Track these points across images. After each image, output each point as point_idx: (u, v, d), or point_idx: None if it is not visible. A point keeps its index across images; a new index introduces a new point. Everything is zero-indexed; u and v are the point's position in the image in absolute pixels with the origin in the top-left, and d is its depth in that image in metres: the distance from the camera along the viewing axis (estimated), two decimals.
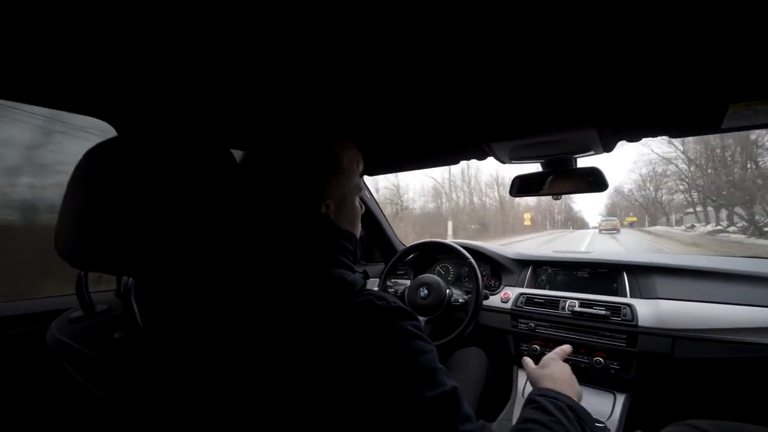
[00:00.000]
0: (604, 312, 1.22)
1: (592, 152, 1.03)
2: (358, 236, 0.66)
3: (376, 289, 1.51)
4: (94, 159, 0.42)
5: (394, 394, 0.43)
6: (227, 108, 0.84)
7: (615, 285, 1.35)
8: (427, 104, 0.84)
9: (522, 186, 1.24)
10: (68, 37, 0.56)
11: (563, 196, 1.20)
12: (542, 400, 0.62)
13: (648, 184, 51.90)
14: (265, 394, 0.40)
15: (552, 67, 0.67)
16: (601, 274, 1.41)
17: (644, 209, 54.10)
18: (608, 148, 0.99)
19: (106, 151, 0.42)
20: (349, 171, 0.64)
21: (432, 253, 1.79)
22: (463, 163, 1.71)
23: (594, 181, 1.10)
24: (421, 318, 1.38)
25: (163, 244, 0.40)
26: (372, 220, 1.71)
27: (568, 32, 0.56)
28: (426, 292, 1.39)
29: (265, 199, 0.57)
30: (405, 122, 0.96)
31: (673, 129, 0.89)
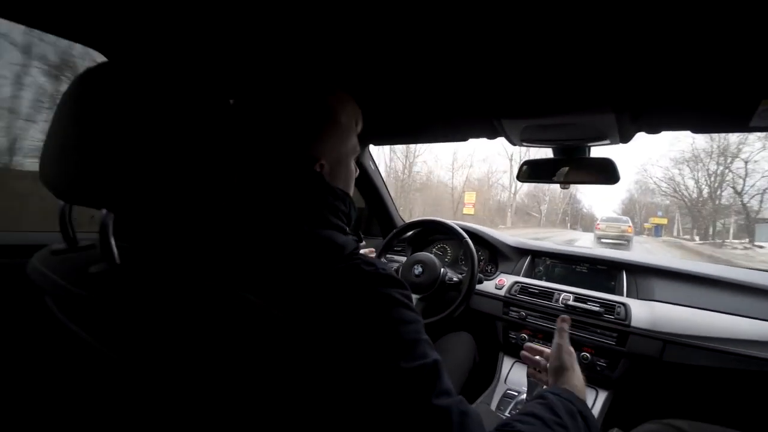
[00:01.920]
0: (597, 308, 1.20)
1: (607, 141, 0.99)
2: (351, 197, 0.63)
3: None
4: (82, 85, 0.40)
5: (371, 361, 0.41)
6: (224, 53, 0.80)
7: (613, 283, 1.33)
8: (438, 71, 0.79)
9: (531, 172, 1.21)
10: None
11: (571, 185, 1.16)
12: (554, 398, 0.57)
13: (705, 163, 26.27)
14: (239, 345, 0.39)
15: (573, 43, 0.63)
16: (600, 271, 1.38)
17: (686, 207, 28.88)
18: (625, 138, 0.94)
19: (95, 78, 0.40)
20: (347, 129, 0.60)
21: (431, 233, 1.77)
22: None
23: (606, 173, 1.06)
24: (414, 295, 1.37)
25: (143, 179, 0.39)
26: (374, 192, 1.69)
27: (592, 7, 0.52)
28: (420, 269, 1.38)
29: (258, 151, 0.54)
30: (414, 89, 0.92)
31: (697, 123, 0.84)
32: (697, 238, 25.99)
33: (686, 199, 28.78)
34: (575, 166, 1.12)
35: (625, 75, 0.70)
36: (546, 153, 1.21)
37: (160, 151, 0.39)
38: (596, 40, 0.61)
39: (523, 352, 0.82)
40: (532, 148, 1.16)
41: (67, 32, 0.74)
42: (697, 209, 27.49)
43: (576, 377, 0.68)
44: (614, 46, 0.62)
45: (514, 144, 1.11)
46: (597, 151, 1.12)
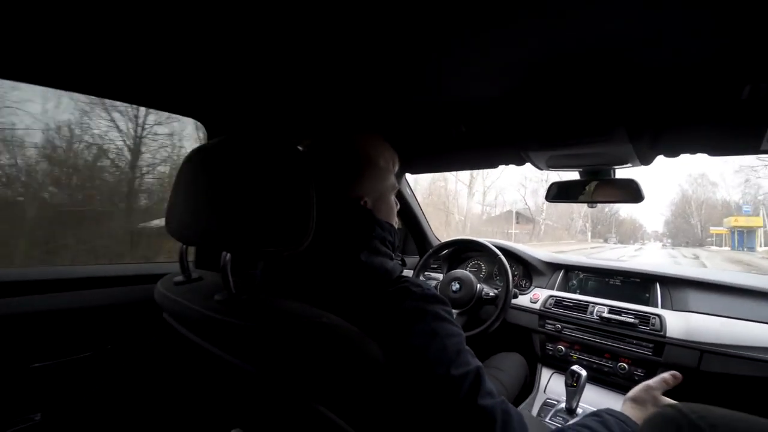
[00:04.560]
0: (632, 320, 1.25)
1: (629, 165, 1.07)
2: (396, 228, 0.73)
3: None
4: (200, 157, 0.55)
5: (424, 370, 0.50)
6: (294, 110, 0.99)
7: (647, 295, 1.37)
8: (470, 114, 0.93)
9: (559, 192, 1.29)
10: (183, 59, 0.72)
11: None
12: (608, 417, 0.61)
13: None
14: (326, 359, 0.49)
15: (589, 86, 0.75)
16: (634, 283, 1.43)
17: None
18: (646, 161, 1.03)
19: (209, 151, 0.54)
20: (384, 171, 0.69)
21: (465, 251, 1.87)
22: None
23: (630, 193, 1.13)
24: (453, 310, 1.46)
25: (254, 229, 0.50)
26: (410, 214, 1.82)
27: (602, 56, 0.64)
28: (458, 286, 1.48)
29: (318, 193, 0.63)
30: (447, 129, 1.06)
31: (712, 148, 0.92)
32: None
33: None
34: (602, 186, 1.20)
35: (639, 109, 0.81)
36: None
37: (264, 205, 0.52)
38: (610, 83, 0.73)
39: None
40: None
41: (171, 108, 0.95)
42: None
43: (642, 413, 0.70)
44: (626, 86, 0.73)
45: (541, 169, 1.20)
46: (622, 171, 1.20)
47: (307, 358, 0.49)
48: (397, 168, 0.75)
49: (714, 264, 14.14)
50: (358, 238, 0.64)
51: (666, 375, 0.76)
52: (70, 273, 0.88)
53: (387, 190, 0.71)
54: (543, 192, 1.34)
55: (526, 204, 25.78)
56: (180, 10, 0.61)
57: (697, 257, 17.50)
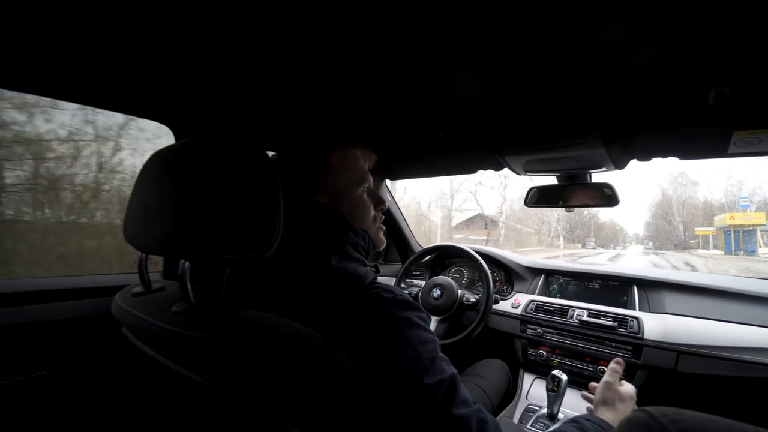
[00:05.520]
0: (611, 323, 1.27)
1: (604, 169, 1.08)
2: (370, 229, 0.70)
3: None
4: (158, 160, 0.52)
5: (396, 378, 0.49)
6: (264, 114, 0.97)
7: (625, 298, 1.39)
8: (446, 123, 0.93)
9: (539, 197, 1.30)
10: (148, 61, 0.70)
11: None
12: (586, 422, 0.63)
13: None
14: (290, 373, 0.47)
15: (562, 90, 0.75)
16: (612, 287, 1.45)
17: None
18: (620, 165, 1.04)
19: (168, 154, 0.51)
20: (341, 167, 0.66)
21: (447, 257, 1.86)
22: None
23: (606, 196, 1.15)
24: (434, 317, 1.46)
25: (214, 235, 0.47)
26: (391, 221, 1.81)
27: (573, 60, 0.64)
28: (439, 293, 1.47)
29: (288, 198, 0.61)
30: (426, 135, 1.06)
31: (682, 151, 0.94)
32: None
33: None
34: (578, 190, 1.21)
35: (611, 116, 0.82)
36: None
37: (225, 209, 0.49)
38: (582, 90, 0.73)
39: (585, 393, 0.90)
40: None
41: (137, 111, 0.92)
42: None
43: (615, 413, 0.74)
44: (597, 94, 0.75)
45: (519, 174, 1.21)
46: (599, 176, 1.22)
47: (270, 370, 0.47)
48: (367, 163, 0.72)
49: None
50: (328, 242, 0.62)
51: (611, 364, 0.85)
52: (27, 286, 0.83)
53: (347, 185, 0.67)
54: (502, 189, 1.31)
55: (478, 204, 23.20)
56: (146, 11, 0.59)
57: (693, 268, 13.40)
